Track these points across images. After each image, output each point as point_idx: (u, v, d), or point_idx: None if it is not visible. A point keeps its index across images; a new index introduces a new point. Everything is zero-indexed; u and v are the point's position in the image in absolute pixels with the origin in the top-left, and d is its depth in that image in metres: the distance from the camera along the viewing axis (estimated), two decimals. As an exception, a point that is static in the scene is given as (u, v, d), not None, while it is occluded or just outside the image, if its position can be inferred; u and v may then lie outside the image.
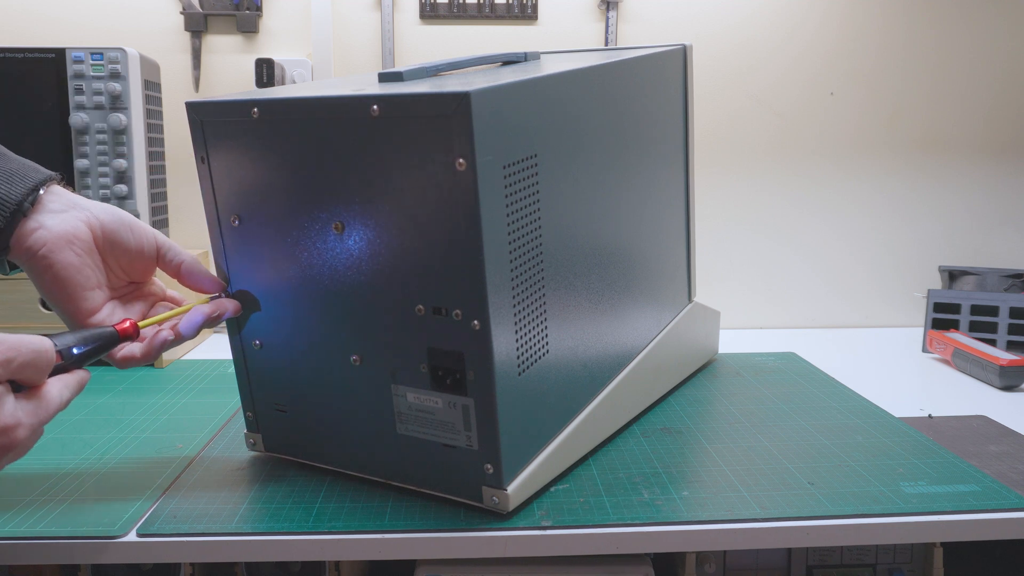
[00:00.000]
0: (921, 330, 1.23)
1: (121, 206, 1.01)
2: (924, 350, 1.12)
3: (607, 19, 1.20)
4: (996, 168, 1.27)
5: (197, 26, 1.19)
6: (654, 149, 0.82)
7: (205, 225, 0.79)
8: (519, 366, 0.61)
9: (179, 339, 0.64)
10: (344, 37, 1.21)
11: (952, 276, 1.24)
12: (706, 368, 1.00)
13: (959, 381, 0.99)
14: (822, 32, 1.22)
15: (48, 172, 0.62)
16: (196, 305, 0.65)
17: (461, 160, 0.55)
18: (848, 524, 0.61)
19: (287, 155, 0.61)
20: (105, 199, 1.01)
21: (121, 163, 1.00)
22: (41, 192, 0.61)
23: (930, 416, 0.85)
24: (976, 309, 1.11)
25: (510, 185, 0.59)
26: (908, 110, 1.25)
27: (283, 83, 1.18)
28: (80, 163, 1.00)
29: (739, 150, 1.25)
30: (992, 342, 1.08)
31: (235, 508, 0.63)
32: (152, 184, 1.06)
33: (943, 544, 0.67)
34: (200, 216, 1.22)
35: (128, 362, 0.63)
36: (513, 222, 0.59)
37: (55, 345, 0.54)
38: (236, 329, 0.69)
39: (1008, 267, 1.26)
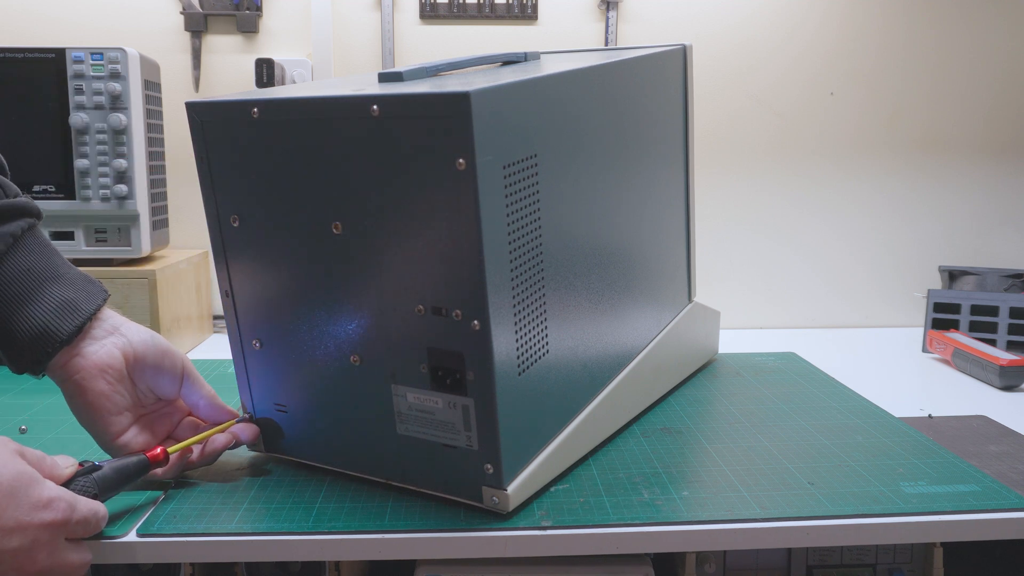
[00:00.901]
0: (921, 330, 1.23)
1: (121, 206, 1.02)
2: (924, 350, 1.12)
3: (607, 19, 1.20)
4: (996, 168, 1.27)
5: (197, 26, 1.19)
6: (654, 149, 0.82)
7: (205, 225, 0.79)
8: (519, 366, 0.61)
9: (199, 464, 0.68)
10: (344, 37, 1.21)
11: (952, 276, 1.24)
12: (706, 368, 1.00)
13: (959, 381, 0.99)
14: (822, 32, 1.22)
15: (100, 293, 0.65)
16: (215, 435, 0.68)
17: (461, 160, 0.55)
18: (848, 524, 0.61)
19: (287, 155, 0.61)
20: (105, 199, 1.01)
21: (121, 163, 1.00)
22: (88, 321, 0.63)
23: (930, 416, 0.85)
24: (976, 309, 1.11)
25: (510, 185, 0.59)
26: (908, 110, 1.25)
27: (283, 83, 1.18)
28: (80, 163, 1.00)
29: (739, 150, 1.25)
30: (992, 342, 1.08)
31: (235, 508, 0.63)
32: (152, 184, 1.06)
33: (943, 544, 0.67)
34: (200, 216, 1.22)
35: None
36: (513, 222, 0.59)
37: (96, 488, 0.59)
38: (236, 329, 0.69)
39: (1008, 267, 1.26)
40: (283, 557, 0.59)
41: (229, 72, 1.21)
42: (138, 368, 0.65)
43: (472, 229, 0.56)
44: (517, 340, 0.61)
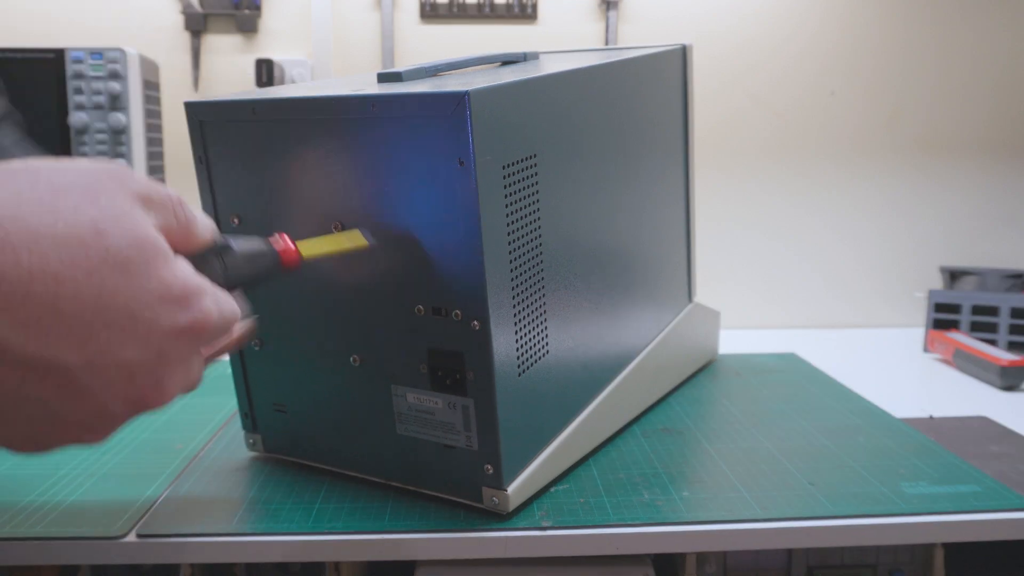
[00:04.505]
0: (922, 330, 1.23)
1: (121, 206, 1.01)
2: (925, 350, 1.12)
3: (607, 19, 1.20)
4: (996, 168, 1.27)
5: (197, 26, 1.19)
6: (654, 149, 0.82)
7: (205, 225, 0.78)
8: (519, 366, 0.61)
9: None
10: (344, 37, 1.20)
11: (953, 276, 1.24)
12: (706, 368, 1.00)
13: (960, 381, 0.99)
14: (822, 32, 1.22)
15: None
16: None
17: (460, 160, 0.55)
18: (849, 525, 0.61)
19: (287, 155, 0.61)
20: (105, 199, 1.01)
21: (121, 163, 1.00)
22: None
23: (931, 417, 0.85)
24: (977, 309, 1.11)
25: (509, 185, 0.59)
26: (908, 110, 1.25)
27: (283, 83, 1.18)
28: (80, 163, 1.00)
29: (739, 150, 1.25)
30: (993, 342, 1.08)
31: (235, 508, 0.63)
32: (152, 184, 1.05)
33: (944, 545, 0.67)
34: (200, 216, 1.22)
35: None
36: (513, 222, 0.59)
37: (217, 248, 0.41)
38: (236, 329, 0.69)
39: (1009, 267, 1.26)
40: (283, 557, 0.59)
41: (229, 72, 1.21)
42: None
43: (471, 229, 0.56)
44: (517, 340, 0.61)
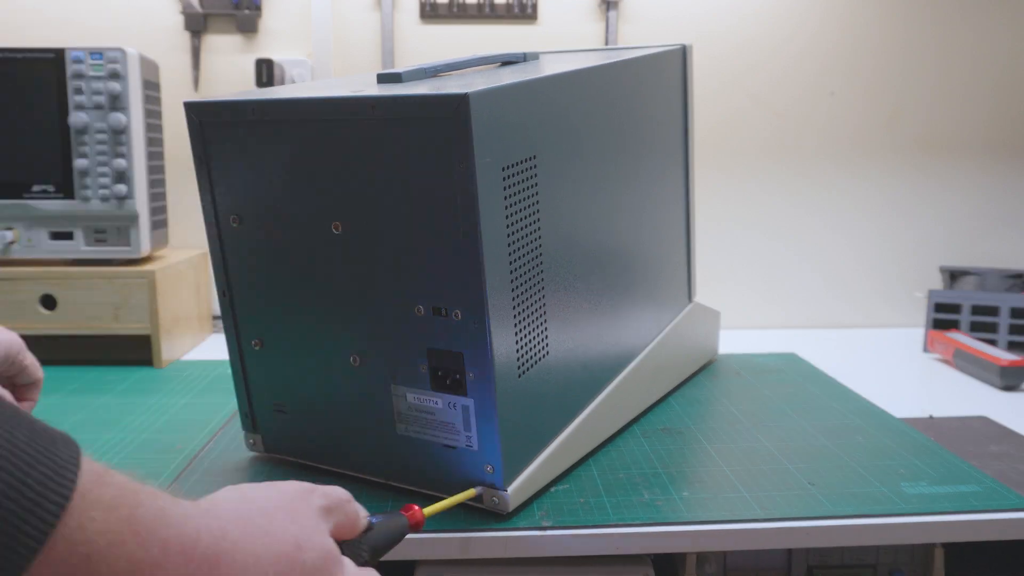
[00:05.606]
0: (922, 330, 1.23)
1: (120, 206, 1.01)
2: (925, 350, 1.12)
3: (607, 19, 1.20)
4: (996, 168, 1.27)
5: (197, 26, 1.19)
6: (654, 149, 0.82)
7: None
8: (519, 367, 0.61)
9: None
10: (344, 37, 1.20)
11: (953, 276, 1.24)
12: (706, 368, 1.00)
13: (960, 381, 0.99)
14: (822, 32, 1.22)
15: None
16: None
17: (460, 162, 0.55)
18: (848, 525, 0.61)
19: (286, 155, 0.61)
20: (105, 199, 1.01)
21: (121, 163, 1.00)
22: None
23: (931, 416, 0.85)
24: (977, 309, 1.11)
25: (509, 187, 0.58)
26: (908, 110, 1.25)
27: (283, 83, 1.18)
28: (80, 163, 1.00)
29: (739, 150, 1.25)
30: (993, 342, 1.08)
31: (235, 509, 0.63)
32: (152, 184, 1.05)
33: (944, 545, 0.67)
34: (200, 216, 1.22)
35: None
36: (512, 223, 0.59)
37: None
38: (233, 329, 0.69)
39: (1008, 267, 1.26)
40: (283, 558, 0.59)
41: (229, 72, 1.21)
42: None
43: (471, 230, 0.56)
44: (517, 341, 0.61)
